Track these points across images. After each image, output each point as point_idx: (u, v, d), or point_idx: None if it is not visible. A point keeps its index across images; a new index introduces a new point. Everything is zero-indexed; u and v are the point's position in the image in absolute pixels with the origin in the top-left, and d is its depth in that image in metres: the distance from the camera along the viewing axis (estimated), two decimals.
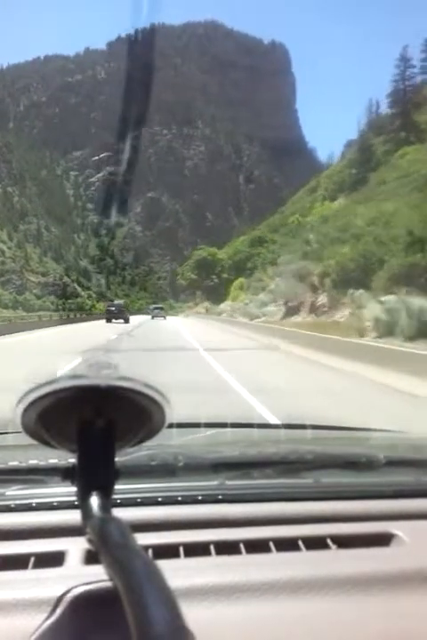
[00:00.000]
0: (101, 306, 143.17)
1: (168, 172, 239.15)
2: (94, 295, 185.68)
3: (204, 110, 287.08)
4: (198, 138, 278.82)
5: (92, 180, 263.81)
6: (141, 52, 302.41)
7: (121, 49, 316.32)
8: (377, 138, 67.39)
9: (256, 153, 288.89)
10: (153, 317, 56.30)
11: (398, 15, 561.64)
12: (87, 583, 0.69)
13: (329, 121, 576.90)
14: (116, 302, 56.03)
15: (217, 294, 77.93)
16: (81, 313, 63.89)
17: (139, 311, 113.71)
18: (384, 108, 77.07)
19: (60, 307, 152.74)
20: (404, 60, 67.70)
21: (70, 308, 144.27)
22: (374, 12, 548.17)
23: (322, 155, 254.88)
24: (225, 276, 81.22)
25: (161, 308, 65.98)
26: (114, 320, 43.08)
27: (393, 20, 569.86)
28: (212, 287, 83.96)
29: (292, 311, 32.94)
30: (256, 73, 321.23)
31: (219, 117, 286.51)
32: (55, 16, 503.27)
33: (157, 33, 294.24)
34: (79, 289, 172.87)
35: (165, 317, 57.84)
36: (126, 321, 43.45)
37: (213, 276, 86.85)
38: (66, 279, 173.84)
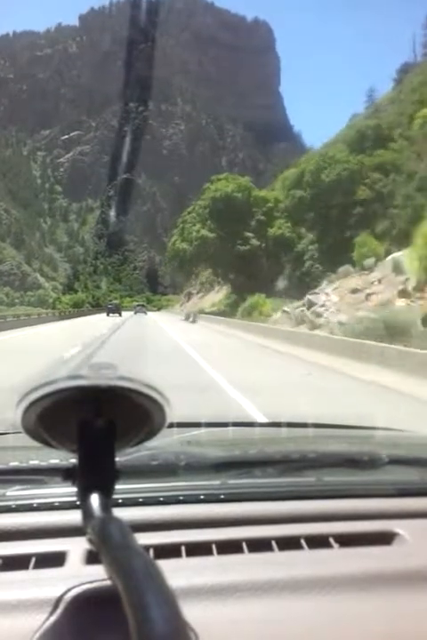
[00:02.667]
0: (67, 299, 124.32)
1: (145, 151, 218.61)
2: (60, 287, 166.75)
3: (183, 87, 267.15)
4: (178, 116, 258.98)
5: (61, 160, 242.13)
6: (117, 24, 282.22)
7: (94, 22, 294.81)
8: None
9: (240, 135, 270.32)
10: (136, 313, 65.68)
11: None
12: (87, 583, 0.70)
13: (315, 105, 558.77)
14: (113, 302, 74.70)
15: (252, 275, 40.75)
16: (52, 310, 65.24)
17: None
18: None
19: (16, 300, 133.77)
20: None
21: (29, 301, 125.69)
22: None
23: (308, 140, 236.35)
24: (277, 231, 40.81)
25: (143, 306, 77.22)
26: (111, 314, 58.52)
27: None
28: (241, 259, 41.74)
29: None
30: (238, 51, 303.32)
31: (200, 96, 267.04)
32: None
33: (134, 6, 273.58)
34: (42, 280, 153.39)
35: (145, 313, 66.95)
36: (120, 314, 58.67)
37: (249, 234, 42.49)
38: (26, 268, 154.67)
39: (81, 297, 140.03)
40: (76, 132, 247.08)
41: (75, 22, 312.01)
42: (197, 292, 76.05)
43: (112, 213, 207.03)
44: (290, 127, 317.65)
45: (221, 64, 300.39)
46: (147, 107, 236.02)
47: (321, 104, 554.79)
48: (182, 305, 78.31)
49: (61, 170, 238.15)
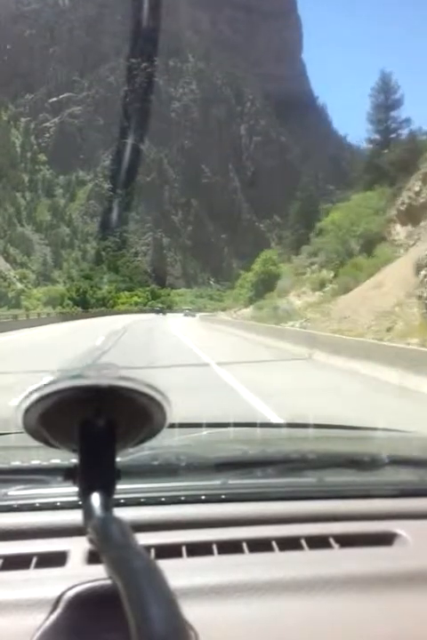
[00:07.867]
0: (39, 294, 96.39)
1: (149, 113, 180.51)
2: (33, 276, 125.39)
3: (194, 43, 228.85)
4: (189, 73, 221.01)
5: (47, 125, 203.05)
6: None
7: None
8: None
9: (260, 101, 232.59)
10: (185, 316, 74.12)
11: None
12: (87, 582, 0.70)
13: (340, 72, 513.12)
14: (158, 306, 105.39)
15: None
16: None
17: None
18: None
19: None
20: None
21: None
22: None
23: (333, 113, 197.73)
24: None
25: (190, 310, 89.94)
26: (157, 314, 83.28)
27: None
28: None
29: None
30: (255, 12, 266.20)
31: (213, 58, 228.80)
32: None
33: None
34: (5, 265, 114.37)
35: (194, 315, 71.69)
36: (164, 314, 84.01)
37: None
38: None
39: (60, 291, 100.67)
40: (66, 94, 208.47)
41: None
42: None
43: (108, 186, 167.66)
44: (313, 98, 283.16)
45: (236, 26, 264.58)
46: (152, 62, 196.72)
47: (346, 71, 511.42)
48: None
49: (47, 135, 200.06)
